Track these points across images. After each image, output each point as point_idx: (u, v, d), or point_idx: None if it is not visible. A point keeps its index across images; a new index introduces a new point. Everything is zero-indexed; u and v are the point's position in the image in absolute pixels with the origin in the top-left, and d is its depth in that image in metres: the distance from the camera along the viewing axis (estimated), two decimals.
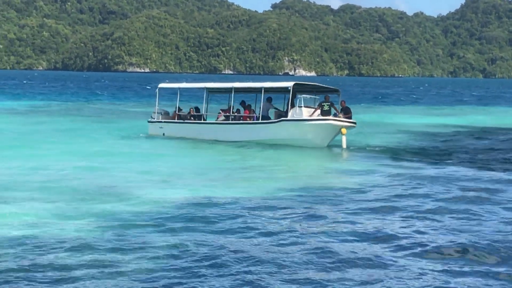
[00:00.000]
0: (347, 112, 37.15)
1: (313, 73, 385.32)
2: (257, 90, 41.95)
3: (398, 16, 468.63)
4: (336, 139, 37.56)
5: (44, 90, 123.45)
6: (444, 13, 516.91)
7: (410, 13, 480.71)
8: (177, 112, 44.00)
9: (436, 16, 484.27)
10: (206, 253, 16.56)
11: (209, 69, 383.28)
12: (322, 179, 28.15)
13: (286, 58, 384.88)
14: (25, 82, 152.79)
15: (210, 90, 44.85)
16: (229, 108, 42.09)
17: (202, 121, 42.39)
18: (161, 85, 46.91)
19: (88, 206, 21.63)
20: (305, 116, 36.98)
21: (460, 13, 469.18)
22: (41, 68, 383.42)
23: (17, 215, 20.10)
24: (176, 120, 43.40)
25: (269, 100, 40.67)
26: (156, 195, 23.57)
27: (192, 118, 43.13)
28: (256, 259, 16.07)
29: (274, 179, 27.52)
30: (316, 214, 20.98)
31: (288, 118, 37.61)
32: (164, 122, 43.63)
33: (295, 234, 18.40)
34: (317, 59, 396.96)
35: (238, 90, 42.65)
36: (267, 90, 40.74)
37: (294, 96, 38.65)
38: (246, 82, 45.15)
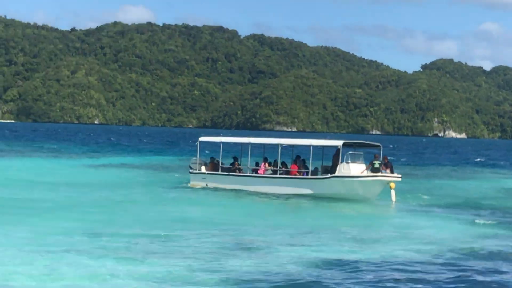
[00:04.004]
0: (388, 167, 40.09)
1: (463, 135, 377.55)
2: (306, 147, 45.07)
3: None
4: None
5: None
6: None
7: None
8: (216, 163, 46.19)
9: None
10: None
11: (356, 129, 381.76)
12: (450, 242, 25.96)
13: (436, 119, 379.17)
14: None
15: (253, 145, 47.04)
16: (276, 162, 44.19)
17: (260, 175, 44.15)
18: (202, 138, 48.60)
19: (218, 262, 21.06)
20: (353, 172, 39.62)
21: None
22: (191, 126, 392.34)
23: (156, 272, 19.50)
24: (227, 173, 45.23)
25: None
26: (285, 253, 22.84)
27: (238, 170, 45.28)
28: None
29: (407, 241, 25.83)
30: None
31: (340, 174, 39.91)
32: (209, 173, 45.65)
33: None
34: (468, 121, 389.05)
35: (288, 147, 46.22)
36: (318, 147, 44.11)
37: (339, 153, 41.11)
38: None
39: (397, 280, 19.21)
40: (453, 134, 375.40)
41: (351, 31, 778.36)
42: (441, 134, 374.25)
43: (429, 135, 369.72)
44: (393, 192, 38.69)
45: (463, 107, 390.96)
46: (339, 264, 20.97)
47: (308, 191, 40.96)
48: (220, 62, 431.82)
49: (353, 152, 40.92)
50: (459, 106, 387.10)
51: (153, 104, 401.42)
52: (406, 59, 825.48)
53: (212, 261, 20.99)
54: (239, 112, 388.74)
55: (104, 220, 28.51)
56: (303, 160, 43.39)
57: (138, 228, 26.71)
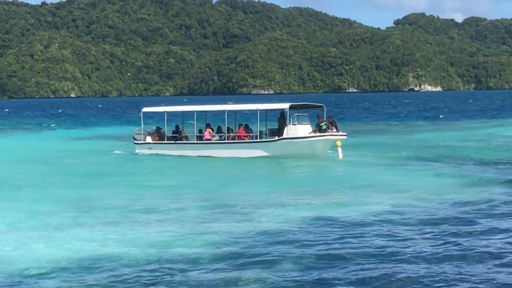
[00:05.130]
0: (334, 125, 42.36)
1: (439, 88, 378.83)
2: (252, 112, 47.05)
3: None
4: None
5: None
6: None
7: None
8: (162, 133, 46.12)
9: None
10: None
11: (333, 88, 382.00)
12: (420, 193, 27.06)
13: (411, 74, 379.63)
14: None
15: (199, 113, 47.68)
16: (228, 129, 44.84)
17: (210, 141, 44.57)
18: (145, 109, 48.97)
19: (210, 224, 21.48)
20: (300, 133, 41.44)
21: None
22: (168, 94, 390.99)
23: (143, 236, 20.00)
24: (174, 141, 45.61)
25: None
26: (275, 213, 23.30)
27: (185, 138, 45.63)
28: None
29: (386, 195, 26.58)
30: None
31: (288, 136, 41.54)
32: (155, 143, 45.77)
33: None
34: (443, 74, 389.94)
35: (231, 112, 46.60)
36: (263, 111, 45.39)
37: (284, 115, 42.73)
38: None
39: (383, 235, 19.60)
40: (428, 88, 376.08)
41: None
42: (417, 89, 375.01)
43: (405, 90, 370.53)
44: (339, 150, 40.49)
45: (437, 60, 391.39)
46: (325, 223, 21.23)
47: (258, 153, 42.20)
48: (193, 29, 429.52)
49: (299, 114, 42.53)
50: (433, 60, 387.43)
51: (128, 74, 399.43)
52: (379, 15, 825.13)
53: (197, 225, 21.25)
54: (215, 77, 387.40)
55: (77, 195, 28.15)
56: (246, 125, 44.73)
57: (112, 199, 26.73)
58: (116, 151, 47.09)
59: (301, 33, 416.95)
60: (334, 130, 41.81)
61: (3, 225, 22.06)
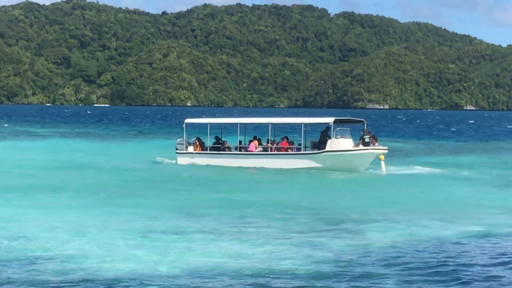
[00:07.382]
0: (375, 139, 42.98)
1: None
2: (297, 125, 49.39)
3: None
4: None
5: None
6: None
7: None
8: (202, 143, 47.24)
9: None
10: None
11: (450, 105, 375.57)
12: None
13: None
14: None
15: (242, 125, 49.15)
16: (268, 140, 45.96)
17: (256, 152, 45.46)
18: (187, 120, 49.93)
19: (311, 239, 20.86)
20: (343, 146, 42.20)
21: None
22: (282, 106, 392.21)
23: (253, 249, 19.59)
24: (214, 152, 46.64)
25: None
26: (387, 231, 22.46)
27: (227, 149, 46.47)
28: None
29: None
30: None
31: (331, 149, 42.16)
32: (197, 153, 46.67)
33: None
34: None
35: (276, 125, 48.29)
36: (307, 125, 47.51)
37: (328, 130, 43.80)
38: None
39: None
40: None
41: (439, 5, 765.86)
42: None
43: None
44: (383, 163, 41.43)
45: None
46: (437, 242, 20.36)
47: (302, 165, 43.02)
48: (310, 41, 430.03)
49: (341, 128, 43.58)
50: None
51: (244, 85, 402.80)
52: (500, 32, 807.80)
53: (298, 240, 20.77)
54: (330, 91, 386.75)
55: (168, 204, 28.05)
56: (286, 138, 45.77)
57: (209, 210, 26.37)
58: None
59: (419, 48, 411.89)
60: (376, 144, 42.64)
61: (101, 232, 21.92)
